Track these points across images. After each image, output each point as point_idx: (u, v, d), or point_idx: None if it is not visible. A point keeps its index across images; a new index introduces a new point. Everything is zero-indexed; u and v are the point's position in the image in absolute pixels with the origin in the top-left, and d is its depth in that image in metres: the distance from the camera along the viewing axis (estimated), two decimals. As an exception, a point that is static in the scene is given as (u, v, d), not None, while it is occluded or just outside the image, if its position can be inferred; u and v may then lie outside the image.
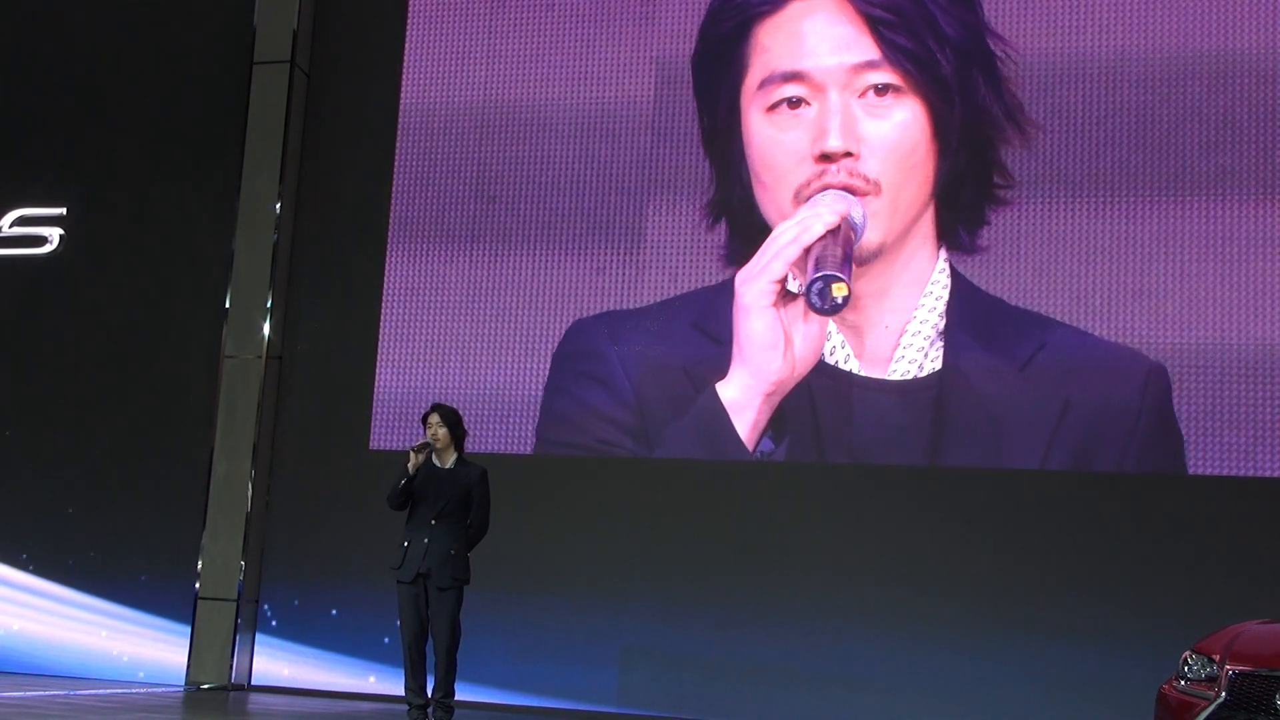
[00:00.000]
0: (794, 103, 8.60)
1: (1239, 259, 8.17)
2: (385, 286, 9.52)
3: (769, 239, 8.45)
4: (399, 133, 9.65)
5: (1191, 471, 8.07)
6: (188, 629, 9.43)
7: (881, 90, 8.52)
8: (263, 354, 9.64)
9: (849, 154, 8.46)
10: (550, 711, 8.70)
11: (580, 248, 9.18)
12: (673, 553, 8.72)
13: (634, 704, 8.64)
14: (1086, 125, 8.48)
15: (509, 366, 9.18)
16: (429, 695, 7.04)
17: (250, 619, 9.42)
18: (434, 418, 7.12)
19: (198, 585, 9.45)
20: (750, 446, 8.46)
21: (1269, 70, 8.29)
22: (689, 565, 8.67)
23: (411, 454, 6.98)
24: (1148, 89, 8.44)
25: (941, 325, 8.42)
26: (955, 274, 8.50)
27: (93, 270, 10.11)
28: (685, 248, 9.00)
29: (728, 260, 8.85)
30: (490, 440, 9.05)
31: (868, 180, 8.45)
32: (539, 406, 9.06)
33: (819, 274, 8.09)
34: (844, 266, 8.13)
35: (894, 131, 8.54)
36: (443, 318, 9.37)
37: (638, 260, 9.06)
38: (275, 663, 9.37)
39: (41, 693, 8.45)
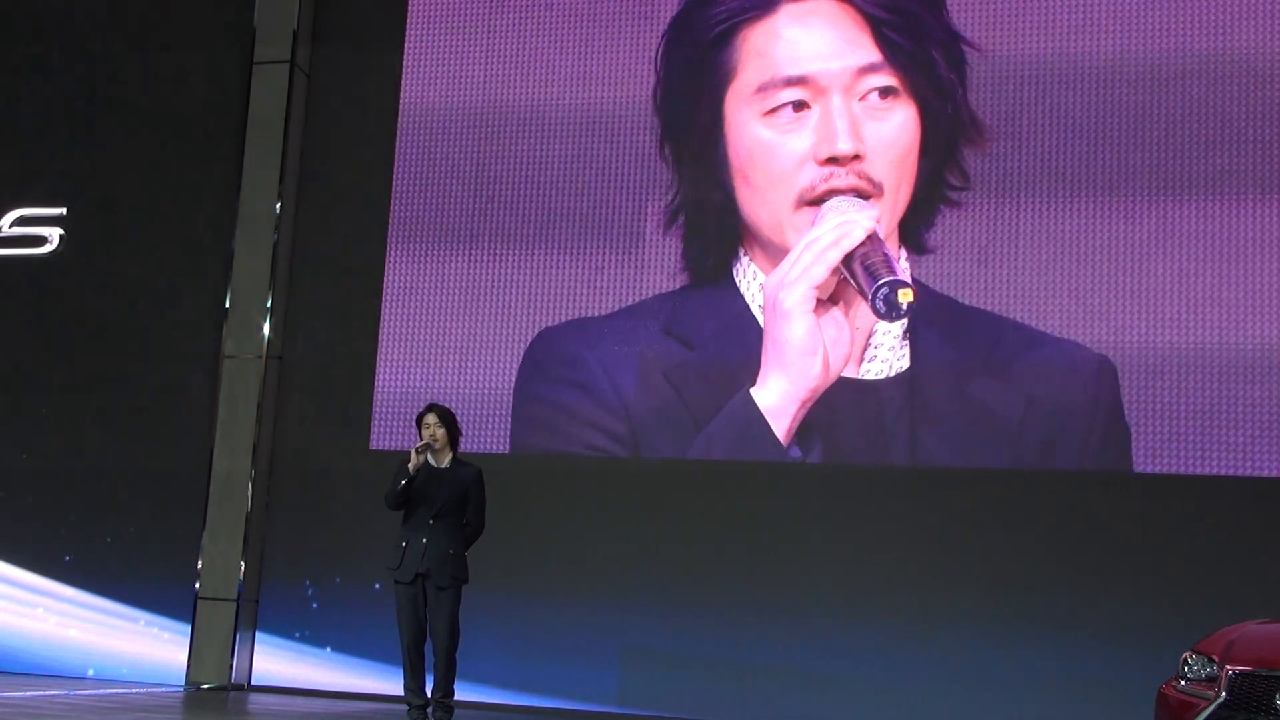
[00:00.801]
0: (795, 106, 8.59)
1: (1236, 259, 8.17)
2: (385, 286, 9.53)
3: (802, 244, 8.31)
4: (399, 133, 9.65)
5: (1192, 471, 8.06)
6: (188, 629, 9.43)
7: (885, 92, 8.52)
8: (263, 354, 9.64)
9: (856, 157, 8.45)
10: (550, 711, 8.70)
11: (581, 248, 9.18)
12: (673, 553, 8.72)
13: (634, 704, 8.64)
14: (1085, 125, 8.47)
15: (509, 366, 9.18)
16: (428, 695, 7.04)
17: (250, 619, 9.42)
18: (431, 418, 7.12)
19: (198, 585, 9.45)
20: (787, 451, 8.45)
21: (1267, 70, 8.29)
22: (689, 565, 8.67)
23: (413, 454, 6.98)
24: (1144, 89, 8.43)
25: (905, 324, 8.43)
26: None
27: (93, 270, 10.11)
28: (684, 248, 9.02)
29: (698, 263, 8.86)
30: (491, 440, 9.05)
31: (872, 183, 8.46)
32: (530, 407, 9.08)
33: (885, 280, 7.94)
34: (898, 270, 8.10)
35: (893, 133, 8.55)
36: (443, 318, 9.37)
37: (638, 260, 9.05)
38: (275, 663, 9.37)
39: (41, 693, 8.45)
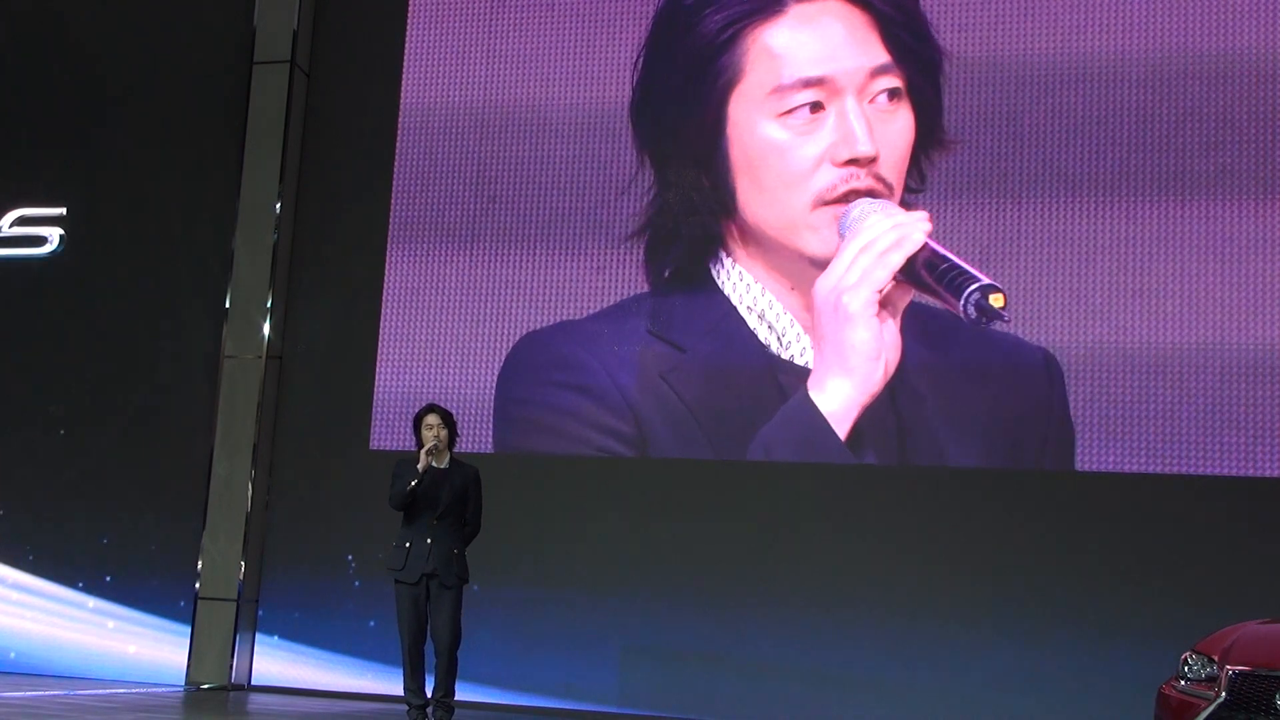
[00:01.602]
0: (812, 107, 8.56)
1: (1238, 259, 8.17)
2: (385, 286, 9.52)
3: (858, 247, 8.21)
4: (399, 133, 9.65)
5: (1192, 471, 8.06)
6: (188, 629, 9.43)
7: (892, 95, 8.53)
8: (263, 354, 9.64)
9: (874, 159, 8.46)
10: (550, 711, 8.70)
11: (581, 248, 9.18)
12: (673, 552, 8.72)
13: (634, 704, 8.64)
14: (1086, 125, 8.48)
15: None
16: (429, 695, 7.04)
17: (250, 619, 9.42)
18: (434, 419, 7.11)
19: (198, 585, 9.45)
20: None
21: (1268, 70, 8.29)
22: (689, 565, 8.67)
23: (422, 456, 6.98)
24: (1145, 89, 8.44)
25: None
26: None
27: (93, 270, 10.11)
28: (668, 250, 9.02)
29: (679, 265, 8.87)
30: (490, 440, 9.05)
31: (885, 184, 8.47)
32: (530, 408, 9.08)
33: (977, 285, 7.91)
34: (980, 275, 8.07)
35: (897, 135, 8.57)
36: (443, 318, 9.37)
37: (636, 260, 9.05)
38: (275, 663, 9.37)
39: (41, 693, 8.45)
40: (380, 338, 9.46)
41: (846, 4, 8.73)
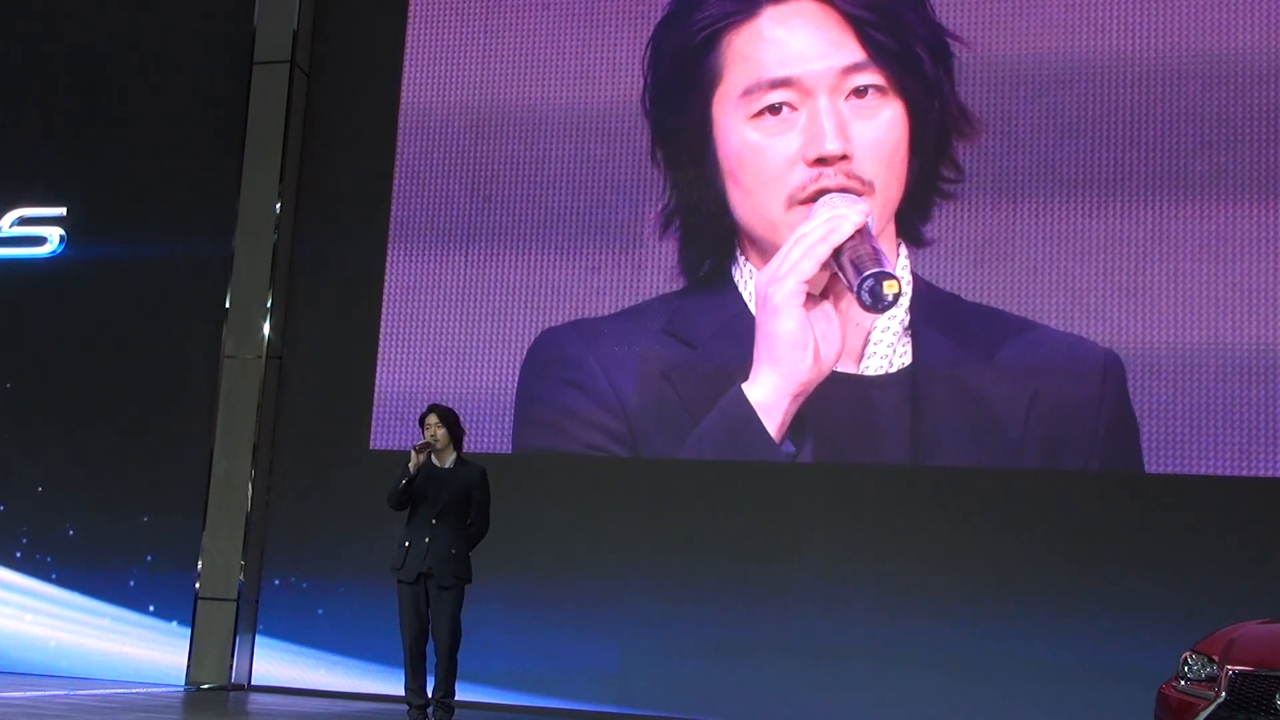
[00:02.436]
0: (779, 108, 8.62)
1: (1234, 258, 8.17)
2: (385, 286, 9.53)
3: (792, 240, 8.40)
4: (399, 133, 9.65)
5: (1191, 471, 8.07)
6: (188, 629, 9.43)
7: (862, 92, 8.55)
8: (263, 354, 9.64)
9: (844, 156, 8.49)
10: (550, 711, 8.70)
11: (582, 248, 9.18)
12: (673, 552, 8.72)
13: (634, 704, 8.64)
14: (1082, 124, 8.48)
15: (509, 366, 9.18)
16: (429, 695, 7.04)
17: (250, 619, 9.42)
18: (432, 418, 7.12)
19: (198, 585, 9.45)
20: (779, 447, 8.47)
21: (1265, 70, 8.29)
22: (690, 565, 8.67)
23: (413, 454, 6.99)
24: (1142, 88, 8.44)
25: (907, 321, 8.45)
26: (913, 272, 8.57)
27: (93, 270, 10.11)
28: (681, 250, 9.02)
29: (696, 265, 8.88)
30: (491, 439, 9.05)
31: (862, 181, 8.49)
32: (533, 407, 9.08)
33: (870, 272, 8.06)
34: (885, 263, 8.14)
35: (881, 132, 8.59)
36: (442, 318, 9.37)
37: (637, 260, 9.06)
38: (275, 663, 9.37)
39: (41, 693, 8.45)
40: (380, 338, 9.46)
41: (820, 4, 8.75)
